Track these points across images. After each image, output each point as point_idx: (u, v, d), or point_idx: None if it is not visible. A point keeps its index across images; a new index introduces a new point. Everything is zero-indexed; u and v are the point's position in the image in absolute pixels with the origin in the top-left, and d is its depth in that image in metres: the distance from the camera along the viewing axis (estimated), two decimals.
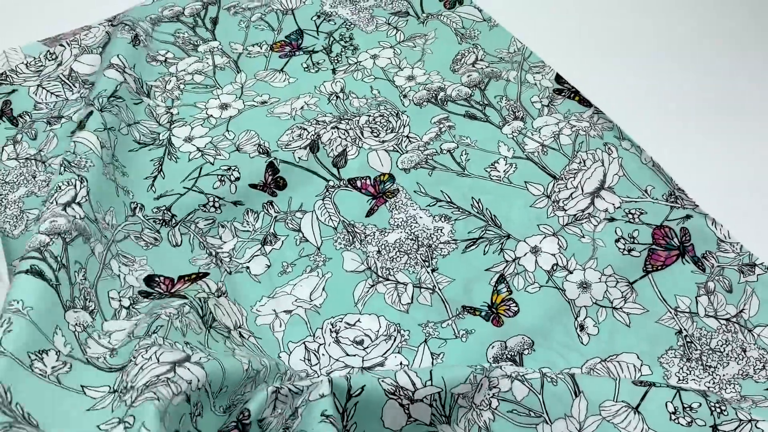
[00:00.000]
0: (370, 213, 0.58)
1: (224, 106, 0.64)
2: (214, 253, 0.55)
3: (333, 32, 0.71)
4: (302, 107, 0.64)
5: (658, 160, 0.60)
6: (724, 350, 0.51)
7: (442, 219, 0.58)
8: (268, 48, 0.70)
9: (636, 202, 0.58)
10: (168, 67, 0.68)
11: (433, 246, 0.56)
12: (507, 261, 0.56)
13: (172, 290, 0.51)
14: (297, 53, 0.70)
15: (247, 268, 0.55)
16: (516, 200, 0.59)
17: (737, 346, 0.51)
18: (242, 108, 0.64)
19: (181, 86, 0.66)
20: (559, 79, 0.66)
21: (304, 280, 0.55)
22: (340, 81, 0.67)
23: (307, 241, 0.57)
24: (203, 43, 0.70)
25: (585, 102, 0.64)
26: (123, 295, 0.49)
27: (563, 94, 0.65)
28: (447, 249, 0.56)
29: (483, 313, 0.53)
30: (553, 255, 0.55)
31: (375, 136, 0.62)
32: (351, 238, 0.57)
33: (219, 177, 0.58)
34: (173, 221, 0.56)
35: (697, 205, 0.57)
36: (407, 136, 0.62)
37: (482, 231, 0.57)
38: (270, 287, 0.54)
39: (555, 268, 0.55)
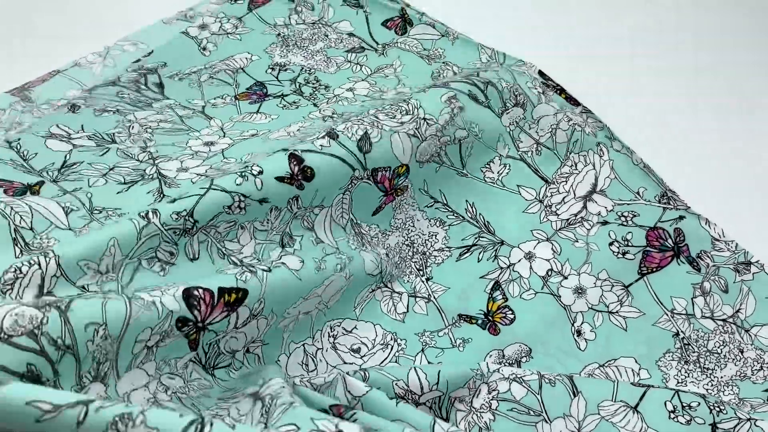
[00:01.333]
0: (376, 211, 0.56)
1: (210, 144, 0.57)
2: (238, 262, 0.49)
3: (296, 78, 0.66)
4: (299, 129, 0.58)
5: (646, 162, 0.59)
6: (722, 351, 0.51)
7: (437, 223, 0.57)
8: (233, 98, 0.64)
9: (629, 204, 0.57)
10: (125, 115, 0.59)
11: (428, 254, 0.56)
12: (501, 268, 0.55)
13: (215, 307, 0.44)
14: (267, 99, 0.64)
15: (284, 263, 0.49)
16: (509, 205, 0.58)
17: (734, 347, 0.51)
18: (232, 142, 0.57)
19: (149, 131, 0.58)
20: (542, 74, 0.65)
21: (335, 281, 0.51)
22: (330, 108, 0.62)
23: (322, 242, 0.53)
24: (156, 101, 0.62)
25: (572, 100, 0.63)
26: (157, 330, 0.42)
27: (549, 88, 0.64)
28: (441, 257, 0.56)
29: (479, 322, 0.53)
30: (548, 260, 0.55)
31: (392, 119, 0.56)
32: (360, 239, 0.55)
33: (239, 173, 0.49)
34: (194, 229, 0.47)
35: (689, 206, 0.57)
36: (424, 119, 0.56)
37: (476, 238, 0.57)
38: (307, 288, 0.49)
39: (550, 273, 0.55)
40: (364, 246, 0.53)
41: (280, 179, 0.49)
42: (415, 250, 0.56)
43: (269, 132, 0.58)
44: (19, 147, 0.52)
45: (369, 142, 0.53)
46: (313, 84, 0.66)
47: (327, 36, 0.70)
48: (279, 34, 0.69)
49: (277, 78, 0.66)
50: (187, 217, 0.46)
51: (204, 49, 0.67)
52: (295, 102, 0.64)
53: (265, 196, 0.49)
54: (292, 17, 0.70)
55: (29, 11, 0.71)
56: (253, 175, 0.49)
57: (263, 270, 0.47)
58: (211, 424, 0.32)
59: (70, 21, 0.70)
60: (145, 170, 0.53)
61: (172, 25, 0.69)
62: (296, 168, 0.50)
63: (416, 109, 0.56)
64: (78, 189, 0.49)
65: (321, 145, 0.51)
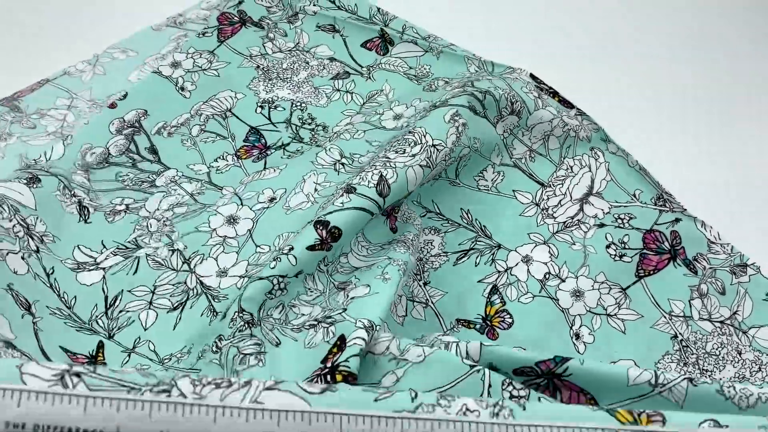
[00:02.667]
0: (394, 231, 0.55)
1: (233, 220, 0.56)
2: (314, 323, 0.47)
3: (289, 120, 0.64)
4: (315, 189, 0.56)
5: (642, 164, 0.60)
6: (720, 353, 0.51)
7: (432, 232, 0.57)
8: (234, 156, 0.61)
9: (625, 206, 0.57)
10: (137, 212, 0.56)
11: (424, 259, 0.56)
12: (499, 271, 0.55)
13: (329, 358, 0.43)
14: (269, 152, 0.62)
15: (353, 297, 0.48)
16: (505, 209, 0.58)
17: (732, 348, 0.51)
18: (254, 216, 0.56)
19: (167, 222, 0.56)
20: (533, 78, 0.64)
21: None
22: (334, 148, 0.60)
23: (370, 266, 0.52)
24: (158, 176, 0.59)
25: (566, 103, 0.63)
26: None
27: (543, 92, 0.63)
28: (438, 262, 0.56)
29: (477, 326, 0.52)
30: (545, 264, 0.55)
31: (402, 154, 0.54)
32: (404, 244, 0.54)
33: (273, 257, 0.49)
34: (255, 320, 0.47)
35: (685, 209, 0.57)
36: (434, 146, 0.55)
37: (473, 242, 0.57)
38: (388, 298, 0.48)
39: (547, 276, 0.54)
40: (409, 249, 0.53)
41: (311, 248, 0.49)
42: None
43: (286, 195, 0.56)
44: (58, 287, 0.50)
45: (387, 185, 0.52)
46: (309, 124, 0.64)
47: (308, 63, 0.67)
48: (258, 66, 0.67)
49: (269, 119, 0.64)
50: (243, 313, 0.47)
51: (183, 89, 0.64)
52: (298, 150, 0.62)
53: (300, 268, 0.49)
54: (266, 45, 0.68)
55: (15, 20, 0.70)
56: (285, 254, 0.49)
57: (340, 312, 0.46)
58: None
59: (58, 29, 0.69)
60: (185, 282, 0.52)
61: (161, 32, 0.68)
62: (324, 232, 0.50)
63: (423, 137, 0.55)
64: (138, 342, 0.49)
65: (342, 203, 0.51)
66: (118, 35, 0.67)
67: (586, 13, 0.75)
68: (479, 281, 0.55)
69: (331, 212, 0.50)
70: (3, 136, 0.58)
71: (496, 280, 0.55)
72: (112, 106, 0.61)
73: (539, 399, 0.41)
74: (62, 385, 0.31)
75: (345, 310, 0.46)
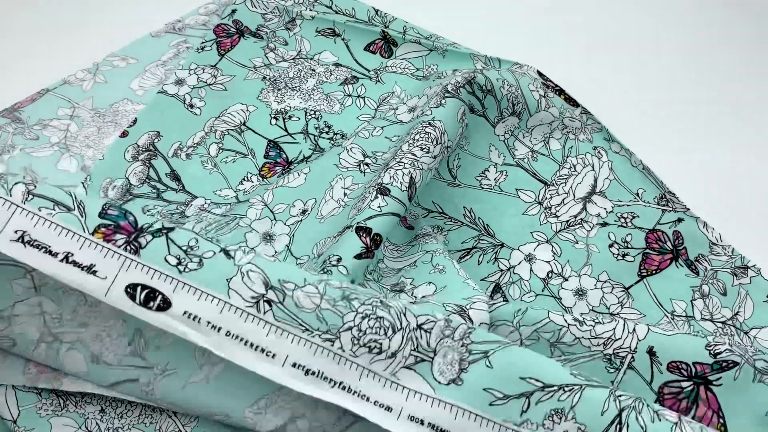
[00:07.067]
0: (410, 229, 0.56)
1: (269, 238, 0.54)
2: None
3: (306, 129, 0.62)
4: (345, 194, 0.56)
5: (645, 163, 0.60)
6: None
7: (435, 230, 0.57)
8: (258, 175, 0.59)
9: (628, 206, 0.58)
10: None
11: None
12: (502, 270, 0.55)
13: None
14: (292, 167, 0.60)
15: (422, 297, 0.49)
16: (508, 208, 0.58)
17: None
18: (289, 231, 0.54)
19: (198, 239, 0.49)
20: (540, 75, 0.64)
21: None
22: (356, 147, 0.59)
23: (414, 268, 0.52)
24: (186, 206, 0.56)
25: (572, 101, 0.63)
26: None
27: (549, 89, 0.63)
28: None
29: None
30: (548, 262, 0.55)
31: (427, 153, 0.54)
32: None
33: (321, 269, 0.48)
34: None
35: (688, 209, 0.57)
36: (447, 147, 0.56)
37: (475, 241, 0.56)
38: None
39: (550, 275, 0.54)
40: (435, 238, 0.53)
41: (358, 257, 0.49)
42: None
43: (317, 205, 0.55)
44: None
45: (415, 189, 0.53)
46: (327, 133, 0.62)
47: (314, 70, 0.66)
48: (264, 78, 0.65)
49: (286, 130, 0.62)
50: None
51: (192, 107, 0.62)
52: (319, 157, 0.61)
53: (353, 278, 0.48)
54: (269, 56, 0.66)
55: (9, 29, 0.69)
56: (334, 265, 0.48)
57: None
58: (628, 426, 0.37)
59: (54, 38, 0.68)
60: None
61: (161, 38, 0.67)
62: (368, 239, 0.49)
63: (443, 135, 0.55)
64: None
65: (379, 206, 0.51)
66: (116, 43, 0.66)
67: (590, 12, 0.75)
68: (482, 280, 0.55)
69: (370, 217, 0.50)
70: (6, 148, 0.56)
71: (498, 278, 0.55)
72: (124, 134, 0.59)
73: (656, 413, 0.40)
74: (256, 309, 0.39)
75: (415, 302, 0.47)
